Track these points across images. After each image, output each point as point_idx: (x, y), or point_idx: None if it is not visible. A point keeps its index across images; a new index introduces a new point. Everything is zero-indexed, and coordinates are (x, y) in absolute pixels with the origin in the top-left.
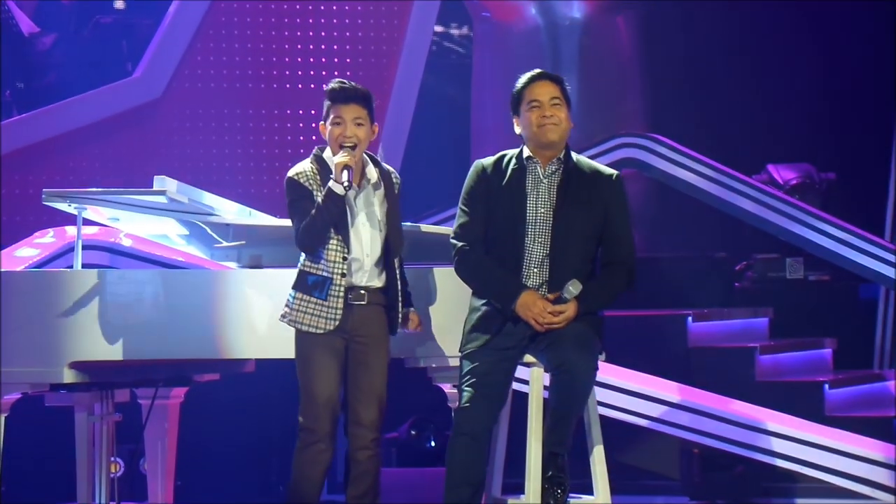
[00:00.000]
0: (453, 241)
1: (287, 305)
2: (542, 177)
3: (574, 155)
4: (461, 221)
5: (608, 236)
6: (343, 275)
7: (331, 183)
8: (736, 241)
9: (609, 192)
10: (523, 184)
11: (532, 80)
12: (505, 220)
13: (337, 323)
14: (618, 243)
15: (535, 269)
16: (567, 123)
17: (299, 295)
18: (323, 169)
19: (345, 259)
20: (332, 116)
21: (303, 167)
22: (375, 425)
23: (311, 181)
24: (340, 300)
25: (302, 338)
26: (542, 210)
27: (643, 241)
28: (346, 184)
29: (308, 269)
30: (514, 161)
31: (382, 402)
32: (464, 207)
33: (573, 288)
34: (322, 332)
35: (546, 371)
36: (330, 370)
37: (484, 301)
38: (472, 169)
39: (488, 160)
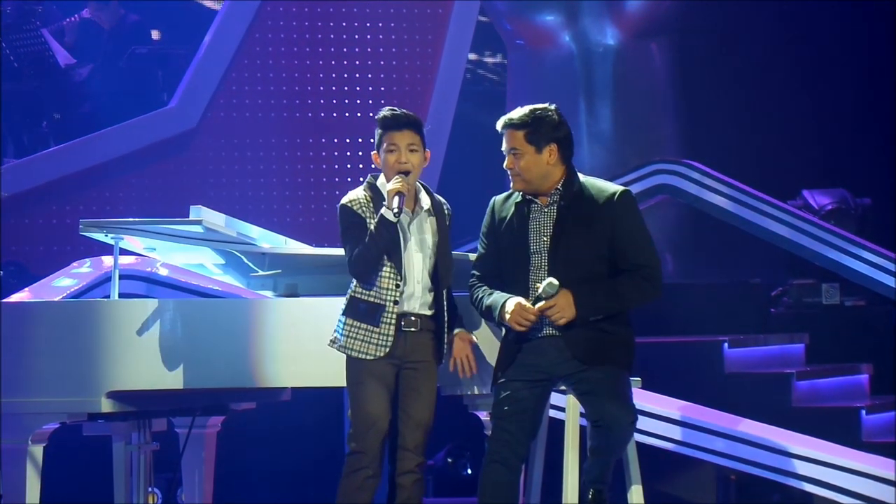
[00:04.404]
0: (469, 278)
1: (336, 331)
2: (543, 206)
3: (582, 178)
4: (477, 255)
5: (617, 249)
6: (395, 302)
7: (383, 210)
8: (771, 266)
9: (611, 208)
10: (526, 215)
11: (502, 128)
12: (511, 252)
13: (387, 350)
14: (627, 254)
15: (543, 298)
16: (535, 168)
17: (350, 321)
18: (376, 197)
19: (397, 286)
20: (386, 144)
21: (356, 195)
22: (421, 450)
23: (364, 209)
24: (392, 327)
25: (353, 363)
26: (544, 239)
27: (678, 267)
28: (395, 210)
29: (360, 296)
30: (519, 195)
31: (429, 427)
32: (479, 241)
33: (549, 287)
34: (372, 358)
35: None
36: (380, 395)
37: (506, 331)
38: (489, 204)
39: (501, 195)
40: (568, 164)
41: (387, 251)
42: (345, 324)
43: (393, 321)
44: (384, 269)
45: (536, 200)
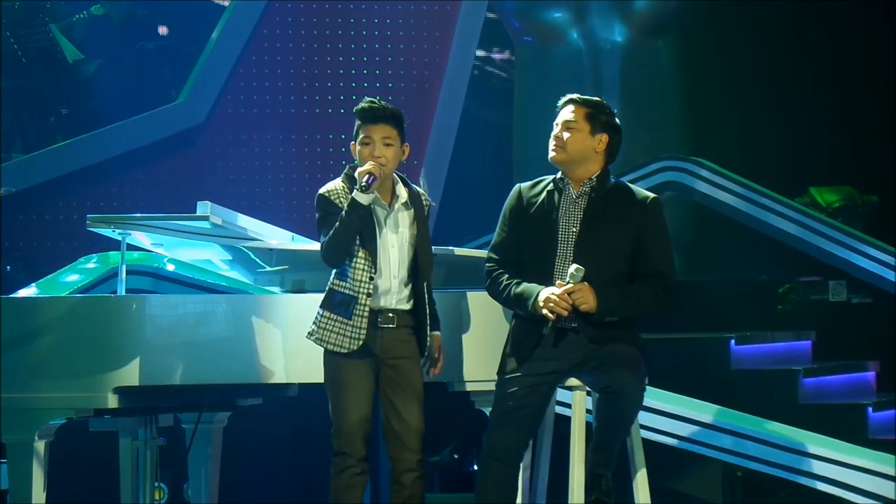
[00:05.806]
0: (486, 263)
1: (314, 323)
2: (574, 197)
3: (615, 179)
4: (494, 241)
5: (640, 255)
6: (369, 295)
7: (354, 192)
8: (779, 264)
9: (642, 213)
10: (555, 204)
11: (567, 102)
12: (536, 240)
13: (360, 343)
14: (649, 259)
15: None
16: (580, 145)
17: (326, 313)
18: (353, 187)
19: (371, 279)
20: (361, 136)
21: (334, 185)
22: (418, 446)
23: (341, 199)
24: (365, 320)
25: (330, 358)
26: (573, 229)
27: (686, 264)
28: (364, 185)
29: (336, 288)
30: (550, 184)
31: (421, 422)
32: (500, 227)
33: (576, 272)
34: (346, 351)
35: (593, 391)
36: (360, 391)
37: (519, 323)
38: (512, 191)
39: (527, 183)
40: (607, 164)
41: (359, 235)
42: (322, 316)
43: (366, 314)
44: (358, 260)
45: (569, 188)
